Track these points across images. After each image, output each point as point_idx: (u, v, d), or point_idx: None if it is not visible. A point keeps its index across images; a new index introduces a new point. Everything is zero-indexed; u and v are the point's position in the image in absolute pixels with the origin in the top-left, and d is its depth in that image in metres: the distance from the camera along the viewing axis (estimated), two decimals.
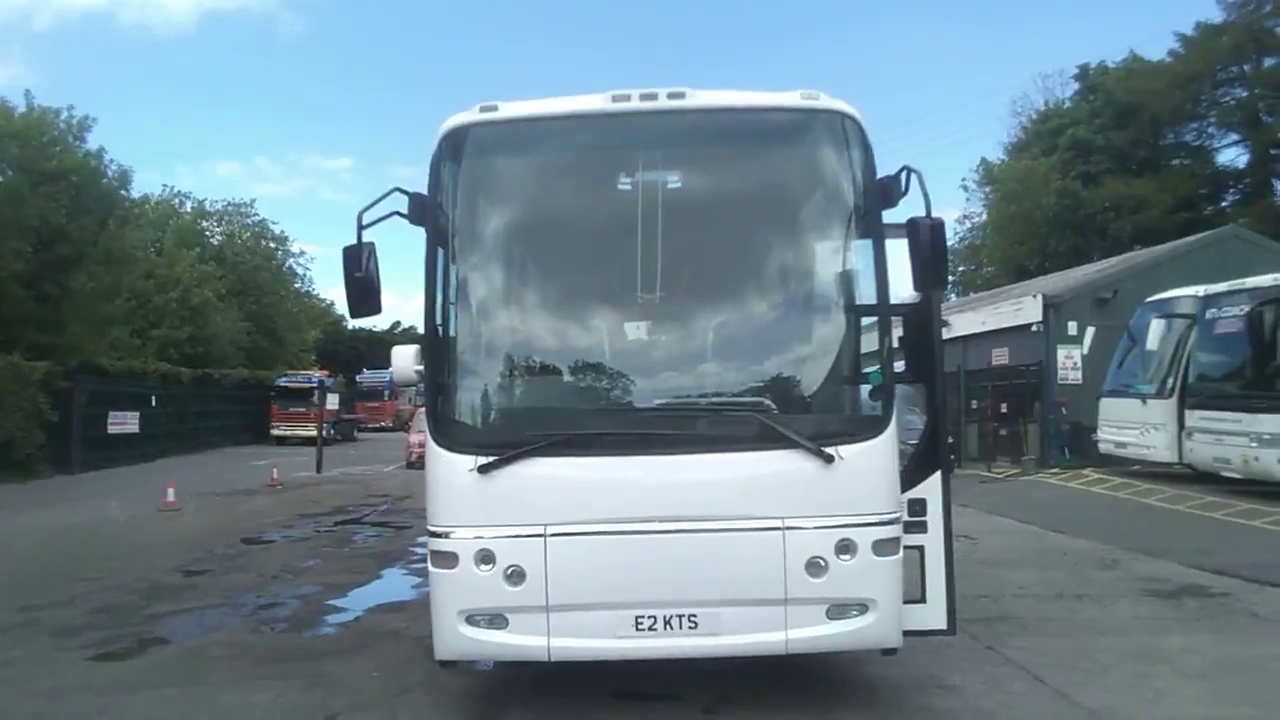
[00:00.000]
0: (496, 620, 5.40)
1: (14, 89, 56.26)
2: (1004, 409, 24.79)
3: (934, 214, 5.44)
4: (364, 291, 5.54)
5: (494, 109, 5.88)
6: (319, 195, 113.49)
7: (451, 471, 5.47)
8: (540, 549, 5.34)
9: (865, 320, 5.82)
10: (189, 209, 50.45)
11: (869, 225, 5.73)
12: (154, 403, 31.34)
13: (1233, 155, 44.70)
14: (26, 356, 24.43)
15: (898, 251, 5.57)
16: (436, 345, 5.72)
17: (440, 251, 5.74)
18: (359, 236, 5.48)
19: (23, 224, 25.14)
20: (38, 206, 25.58)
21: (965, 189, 56.27)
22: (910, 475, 5.89)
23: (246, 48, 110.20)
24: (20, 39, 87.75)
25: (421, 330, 5.82)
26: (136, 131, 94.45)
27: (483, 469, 5.36)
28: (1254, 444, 15.61)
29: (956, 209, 55.54)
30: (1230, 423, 16.26)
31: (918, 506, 5.86)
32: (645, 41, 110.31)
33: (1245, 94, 42.43)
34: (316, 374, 43.00)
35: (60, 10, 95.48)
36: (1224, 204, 43.92)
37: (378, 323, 64.55)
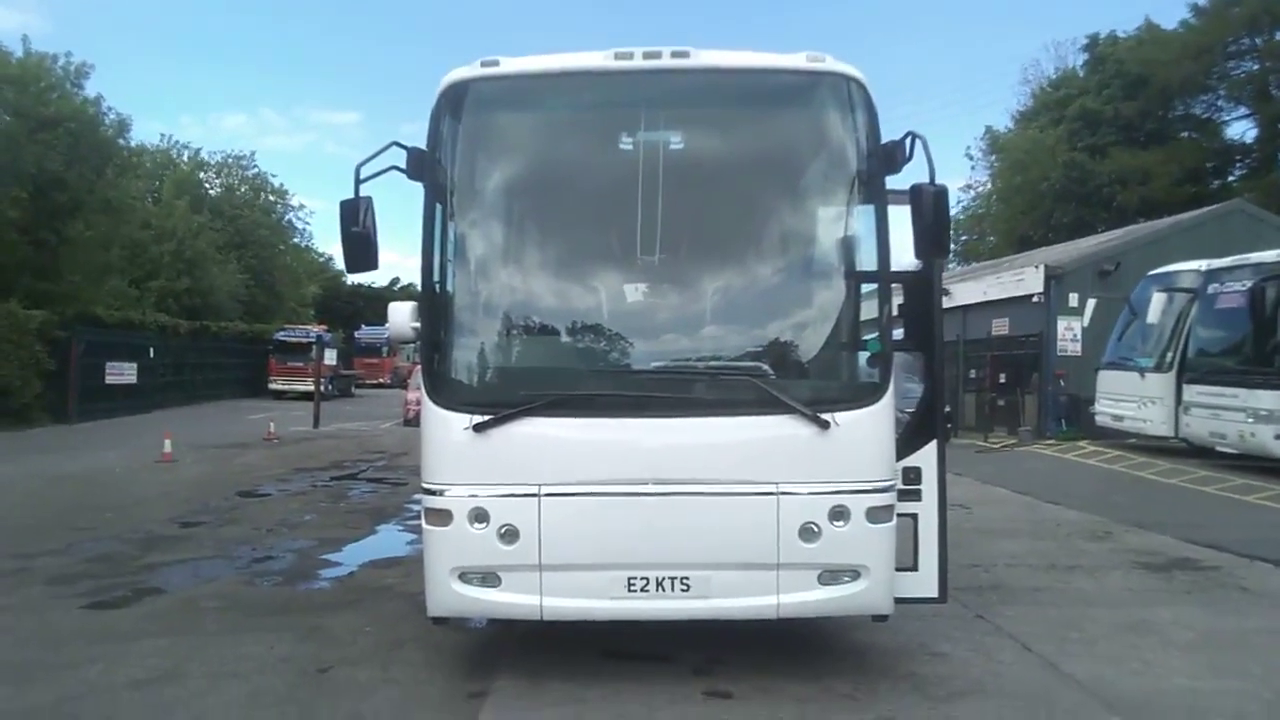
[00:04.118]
0: (489, 578, 5.42)
1: (18, 35, 55.49)
2: (1002, 379, 24.82)
3: (938, 181, 5.38)
4: (361, 247, 5.48)
5: (495, 64, 5.78)
6: (324, 149, 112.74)
7: (447, 429, 5.45)
8: (534, 508, 5.34)
9: (865, 287, 5.77)
10: (185, 159, 50.04)
11: (872, 191, 5.67)
12: (152, 354, 31.36)
13: (1241, 129, 44.53)
14: (23, 304, 24.39)
15: (900, 218, 5.51)
16: (433, 302, 5.68)
17: (438, 207, 5.68)
18: (356, 191, 5.41)
19: (19, 170, 24.92)
20: (34, 153, 25.33)
21: (970, 158, 55.97)
22: (906, 443, 5.88)
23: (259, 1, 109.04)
24: None
25: (419, 287, 5.78)
26: (143, 82, 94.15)
27: (478, 428, 5.35)
28: (1250, 419, 15.65)
29: (961, 178, 55.26)
30: (1228, 398, 16.28)
31: (913, 474, 5.85)
32: (655, 2, 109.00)
33: (1256, 67, 41.95)
34: (315, 329, 43.02)
35: None
36: (1230, 178, 43.68)
37: (377, 279, 64.32)
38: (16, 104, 26.02)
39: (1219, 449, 16.79)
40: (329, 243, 66.33)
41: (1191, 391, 17.43)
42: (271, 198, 53.86)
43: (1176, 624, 7.24)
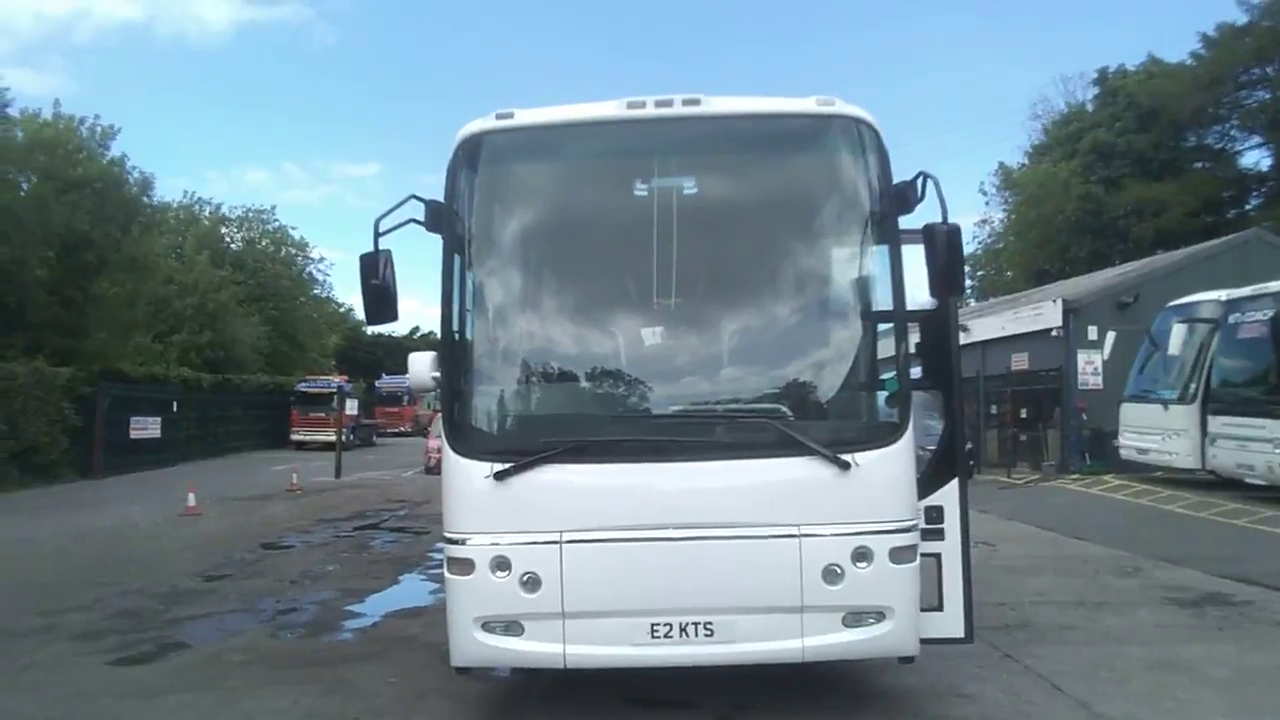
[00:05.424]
0: (512, 627, 5.40)
1: (49, 99, 56.89)
2: (1024, 414, 24.64)
3: (951, 219, 5.42)
4: (381, 299, 5.57)
5: (510, 116, 5.88)
6: (345, 202, 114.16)
7: (468, 478, 5.47)
8: (556, 556, 5.34)
9: (882, 326, 5.80)
10: (207, 215, 50.79)
11: (885, 231, 5.70)
12: (175, 408, 31.60)
13: (1255, 158, 44.24)
14: (50, 362, 24.71)
15: (914, 257, 5.56)
16: (453, 352, 5.74)
17: (457, 258, 5.76)
18: (376, 244, 5.50)
19: (47, 231, 25.45)
20: (62, 214, 25.89)
21: (984, 193, 56.08)
22: (928, 482, 5.85)
23: (279, 58, 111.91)
24: (60, 51, 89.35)
25: (439, 337, 5.84)
26: (169, 139, 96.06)
27: (499, 476, 5.36)
28: (1278, 450, 15.44)
29: (975, 213, 55.33)
30: (1254, 428, 16.10)
31: (935, 513, 5.83)
32: (667, 45, 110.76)
33: (1268, 96, 41.87)
34: (336, 379, 43.24)
35: (99, 22, 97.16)
36: (1247, 207, 43.42)
37: (397, 328, 64.84)
38: (45, 166, 26.62)
39: (1248, 480, 16.57)
40: (349, 293, 66.97)
41: (1217, 423, 17.25)
42: (292, 250, 54.47)
43: (1209, 660, 7.12)
